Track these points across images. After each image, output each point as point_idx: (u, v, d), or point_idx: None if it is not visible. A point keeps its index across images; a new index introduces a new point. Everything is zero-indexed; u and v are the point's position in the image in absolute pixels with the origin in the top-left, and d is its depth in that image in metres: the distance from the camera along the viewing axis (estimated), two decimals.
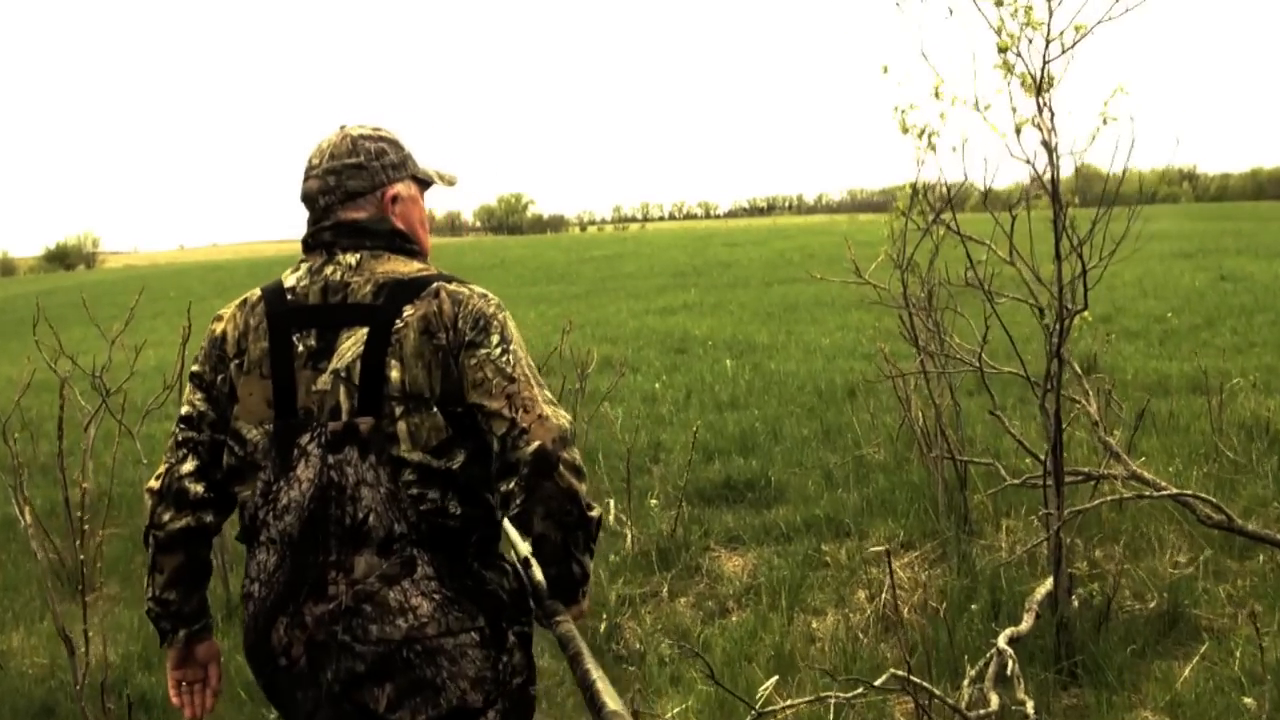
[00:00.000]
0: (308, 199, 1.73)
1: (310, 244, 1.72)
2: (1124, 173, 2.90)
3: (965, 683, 2.87)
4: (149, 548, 1.70)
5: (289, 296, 1.67)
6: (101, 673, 2.93)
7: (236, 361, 1.66)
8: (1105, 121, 2.66)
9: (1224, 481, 4.65)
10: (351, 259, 1.67)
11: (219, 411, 1.68)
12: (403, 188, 1.75)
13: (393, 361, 1.58)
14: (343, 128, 1.74)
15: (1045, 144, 2.60)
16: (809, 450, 5.90)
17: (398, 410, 1.57)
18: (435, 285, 1.64)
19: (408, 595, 1.56)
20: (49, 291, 34.16)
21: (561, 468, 1.55)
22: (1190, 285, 13.45)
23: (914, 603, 3.61)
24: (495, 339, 1.61)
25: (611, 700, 1.34)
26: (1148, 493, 3.68)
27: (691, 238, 42.03)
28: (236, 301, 1.73)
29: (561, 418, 1.58)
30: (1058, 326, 2.87)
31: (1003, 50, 2.43)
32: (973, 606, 3.39)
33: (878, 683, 2.67)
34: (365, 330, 1.60)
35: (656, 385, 8.36)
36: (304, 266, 1.70)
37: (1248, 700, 2.67)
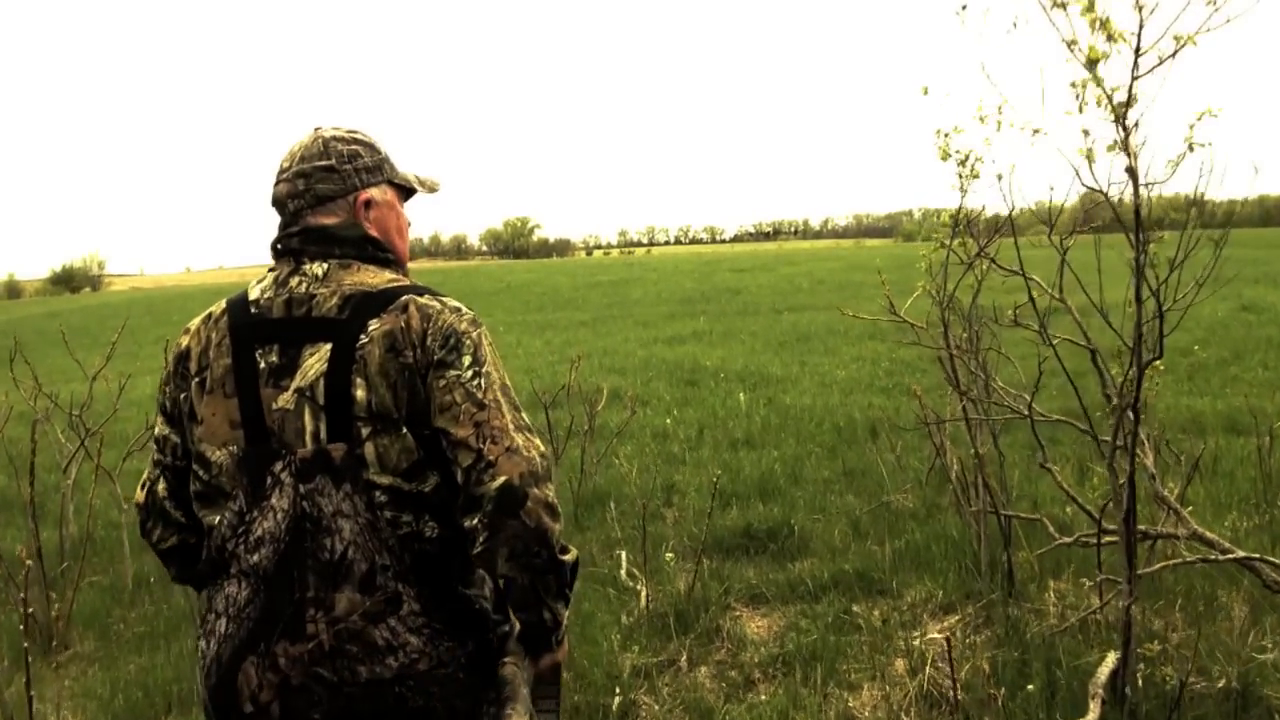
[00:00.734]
0: (277, 203, 1.61)
1: (278, 251, 1.60)
2: (1202, 203, 2.59)
3: None
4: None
5: (253, 309, 1.54)
6: None
7: (198, 379, 1.55)
8: (1191, 148, 2.34)
9: (1278, 536, 4.30)
10: (319, 269, 1.55)
11: (181, 435, 1.60)
12: (377, 192, 1.63)
13: (358, 380, 1.46)
14: (316, 129, 1.62)
15: (1130, 170, 2.27)
16: (832, 494, 5.56)
17: (365, 431, 1.46)
18: (404, 298, 1.51)
19: (396, 633, 1.46)
20: (54, 314, 34.08)
21: (530, 504, 1.43)
22: (1213, 315, 13.08)
23: (962, 679, 3.26)
24: (467, 360, 1.49)
25: None
26: (1213, 556, 3.35)
27: (698, 263, 41.79)
28: (203, 315, 1.62)
29: (534, 449, 1.47)
30: (1135, 375, 2.53)
31: (1092, 62, 2.11)
32: (1029, 687, 3.04)
33: None
34: (329, 346, 1.48)
35: (668, 420, 8.01)
36: (270, 276, 1.58)
37: None
